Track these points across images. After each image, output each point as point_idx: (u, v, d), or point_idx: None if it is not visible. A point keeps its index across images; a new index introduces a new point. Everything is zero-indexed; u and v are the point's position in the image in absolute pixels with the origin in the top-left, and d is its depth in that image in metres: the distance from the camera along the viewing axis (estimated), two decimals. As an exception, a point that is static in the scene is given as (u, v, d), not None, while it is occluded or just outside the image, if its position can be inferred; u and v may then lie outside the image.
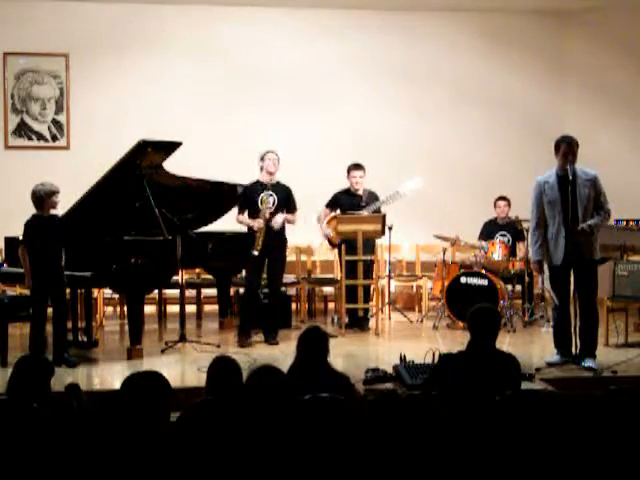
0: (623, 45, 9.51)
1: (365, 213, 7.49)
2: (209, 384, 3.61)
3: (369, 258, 7.46)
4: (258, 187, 7.08)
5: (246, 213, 7.11)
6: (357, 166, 7.64)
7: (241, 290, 7.92)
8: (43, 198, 6.05)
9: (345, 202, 7.66)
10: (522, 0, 9.31)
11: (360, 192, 7.64)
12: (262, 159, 7.08)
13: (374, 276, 7.67)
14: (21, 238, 6.10)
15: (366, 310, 7.76)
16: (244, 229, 7.17)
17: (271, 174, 7.06)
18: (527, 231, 7.85)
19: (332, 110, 9.35)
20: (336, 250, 7.89)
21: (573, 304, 5.94)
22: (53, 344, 6.12)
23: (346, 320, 7.56)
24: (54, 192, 6.08)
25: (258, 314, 7.12)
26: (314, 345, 4.21)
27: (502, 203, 8.35)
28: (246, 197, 7.10)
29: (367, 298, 7.71)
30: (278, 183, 7.14)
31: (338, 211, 7.66)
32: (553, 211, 5.88)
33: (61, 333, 6.18)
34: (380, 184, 7.69)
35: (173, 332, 7.27)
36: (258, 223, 6.95)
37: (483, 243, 8.12)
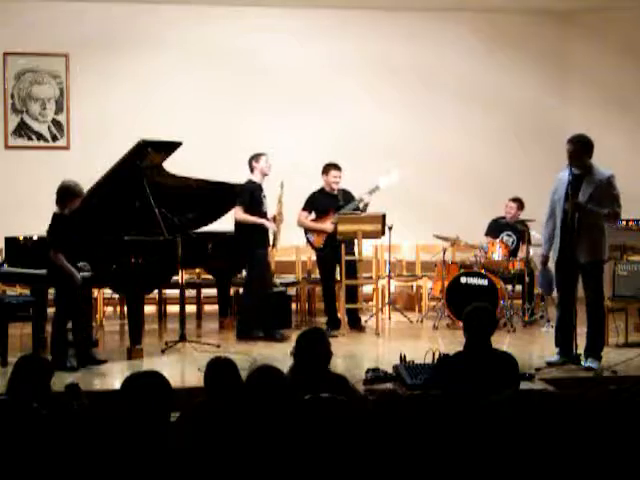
0: (625, 46, 9.50)
1: (342, 212, 7.43)
2: (207, 387, 3.61)
3: (353, 259, 7.47)
4: (257, 187, 7.11)
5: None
6: (337, 166, 7.57)
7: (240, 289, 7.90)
8: (72, 195, 5.94)
9: (322, 203, 7.60)
10: (524, 0, 9.30)
11: (335, 192, 7.60)
12: (258, 160, 7.09)
13: (358, 276, 7.62)
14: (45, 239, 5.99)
15: (350, 310, 7.70)
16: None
17: (266, 176, 7.12)
18: (528, 232, 7.87)
19: (331, 110, 9.33)
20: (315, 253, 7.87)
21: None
22: (76, 344, 6.17)
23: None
24: (81, 195, 6.01)
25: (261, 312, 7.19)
26: (313, 347, 4.09)
27: (510, 204, 8.23)
28: (254, 197, 7.10)
29: (355, 298, 7.65)
30: None
31: (313, 214, 7.62)
32: (558, 209, 5.90)
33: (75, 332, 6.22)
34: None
35: (173, 332, 7.27)
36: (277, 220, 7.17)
37: (483, 243, 8.11)
